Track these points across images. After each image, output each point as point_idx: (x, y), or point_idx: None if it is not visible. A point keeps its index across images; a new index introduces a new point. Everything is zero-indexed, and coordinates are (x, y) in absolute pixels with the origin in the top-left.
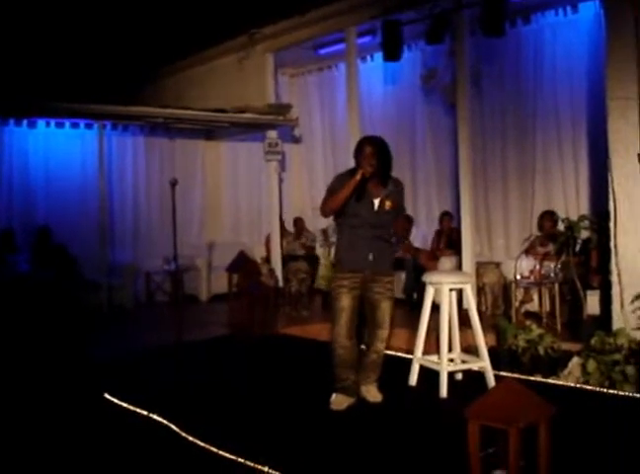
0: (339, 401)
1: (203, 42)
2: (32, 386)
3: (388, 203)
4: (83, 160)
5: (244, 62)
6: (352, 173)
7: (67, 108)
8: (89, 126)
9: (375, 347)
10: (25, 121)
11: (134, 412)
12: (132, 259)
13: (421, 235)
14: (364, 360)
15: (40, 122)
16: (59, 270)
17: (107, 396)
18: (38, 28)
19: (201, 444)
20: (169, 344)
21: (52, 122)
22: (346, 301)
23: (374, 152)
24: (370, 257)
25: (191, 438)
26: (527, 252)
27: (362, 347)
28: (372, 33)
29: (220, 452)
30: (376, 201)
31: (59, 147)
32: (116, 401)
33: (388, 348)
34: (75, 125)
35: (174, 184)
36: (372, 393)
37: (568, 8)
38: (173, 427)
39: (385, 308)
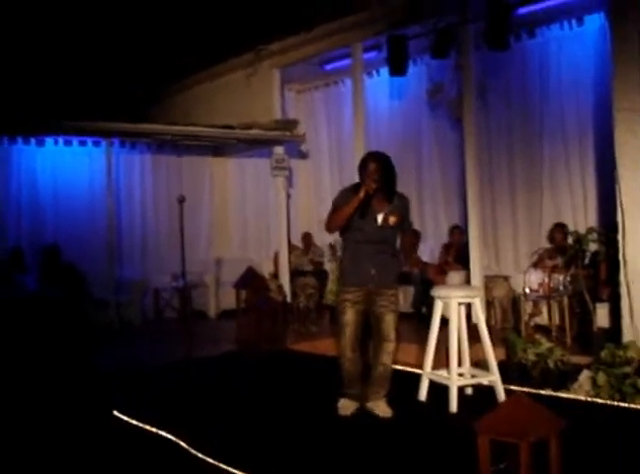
0: (346, 406)
1: (211, 59)
2: (41, 404)
3: (392, 219)
4: (91, 178)
5: (251, 79)
6: (356, 188)
7: (75, 125)
8: (97, 144)
9: (381, 360)
10: (33, 140)
11: (143, 429)
12: (141, 276)
13: (428, 249)
14: (372, 374)
15: (49, 141)
16: (68, 288)
17: (116, 413)
18: (46, 46)
19: (211, 461)
20: (178, 360)
21: (60, 140)
22: (349, 315)
23: (378, 168)
24: (373, 271)
25: (200, 455)
26: (536, 265)
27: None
28: (378, 48)
29: (230, 469)
30: (380, 217)
31: (67, 165)
32: (125, 418)
33: (397, 362)
34: (83, 143)
35: (181, 201)
36: (382, 408)
37: (573, 21)
38: (182, 443)
39: (389, 321)
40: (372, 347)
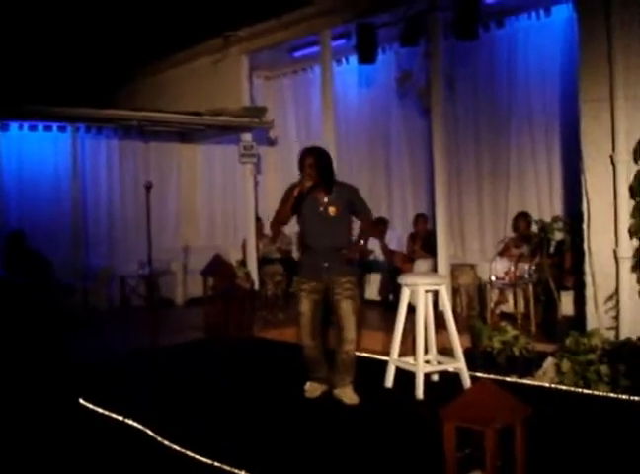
0: (313, 388)
1: (178, 45)
2: (6, 391)
3: (332, 209)
4: (56, 164)
5: (219, 65)
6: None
7: (40, 110)
8: (62, 130)
9: (343, 348)
10: None
11: (109, 417)
12: (107, 263)
13: (396, 237)
14: (336, 362)
15: (13, 125)
16: (33, 274)
17: (82, 401)
18: (8, 30)
19: (177, 449)
20: (144, 348)
21: (25, 126)
22: (305, 305)
23: (313, 163)
24: (325, 264)
25: (166, 443)
26: (502, 253)
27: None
28: (347, 36)
29: (197, 457)
30: (321, 208)
31: (32, 151)
32: (91, 406)
33: (364, 349)
34: (48, 129)
35: (148, 187)
36: (348, 395)
37: (541, 11)
38: (148, 431)
39: (345, 308)
40: (334, 335)
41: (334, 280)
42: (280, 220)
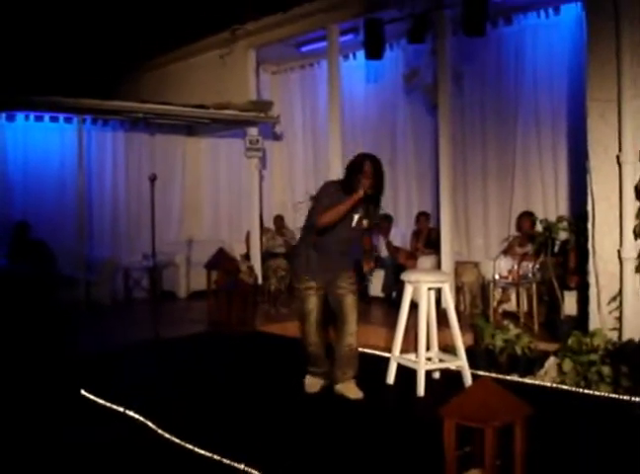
0: (312, 383)
1: (185, 38)
2: (7, 381)
3: (365, 222)
4: (62, 154)
5: (226, 58)
6: (342, 185)
7: (46, 101)
8: (68, 121)
9: (346, 341)
10: (3, 115)
11: (111, 408)
12: (111, 254)
13: (400, 234)
14: (337, 356)
15: (19, 116)
16: (37, 265)
17: (83, 392)
18: (17, 21)
19: (178, 442)
20: (147, 340)
21: (31, 116)
22: (312, 302)
23: (373, 172)
24: (334, 265)
25: (167, 435)
26: (506, 252)
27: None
28: (355, 31)
29: (197, 450)
30: (356, 217)
31: (38, 141)
32: (92, 397)
33: (366, 345)
34: (54, 119)
35: (153, 179)
36: (353, 391)
37: (550, 10)
38: (149, 424)
39: (350, 302)
40: (335, 328)
41: (337, 274)
42: (330, 222)
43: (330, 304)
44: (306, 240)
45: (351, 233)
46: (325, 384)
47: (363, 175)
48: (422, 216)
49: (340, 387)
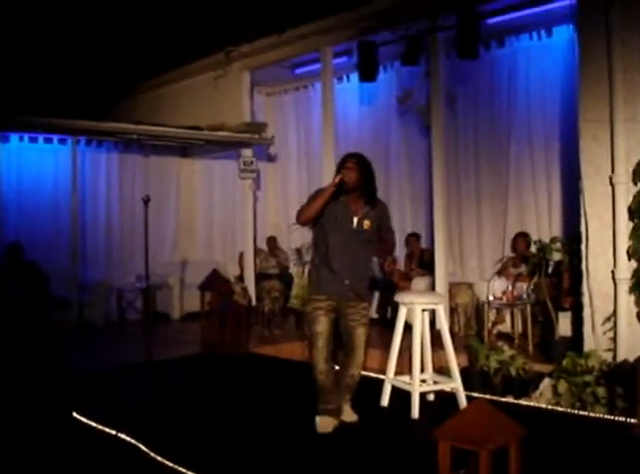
0: (325, 423)
1: (180, 59)
2: None
3: (367, 223)
4: (56, 175)
5: (220, 80)
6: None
7: (41, 122)
8: (63, 142)
9: (351, 372)
10: None
11: (103, 431)
12: (104, 276)
13: (396, 256)
14: (340, 383)
15: (14, 137)
16: (29, 286)
17: (75, 415)
18: (11, 43)
19: (171, 465)
20: (140, 362)
21: (26, 137)
22: (323, 325)
23: (357, 166)
24: (347, 281)
25: (159, 458)
26: (500, 273)
27: (336, 367)
28: (349, 53)
29: (189, 473)
30: (355, 219)
31: (32, 162)
32: (84, 420)
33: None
34: (49, 140)
35: (147, 201)
36: (348, 413)
37: (542, 32)
38: (141, 446)
39: (360, 335)
40: (341, 356)
41: (352, 304)
42: (309, 215)
43: (339, 328)
44: (313, 259)
45: (355, 238)
46: (338, 423)
47: (345, 168)
48: (412, 238)
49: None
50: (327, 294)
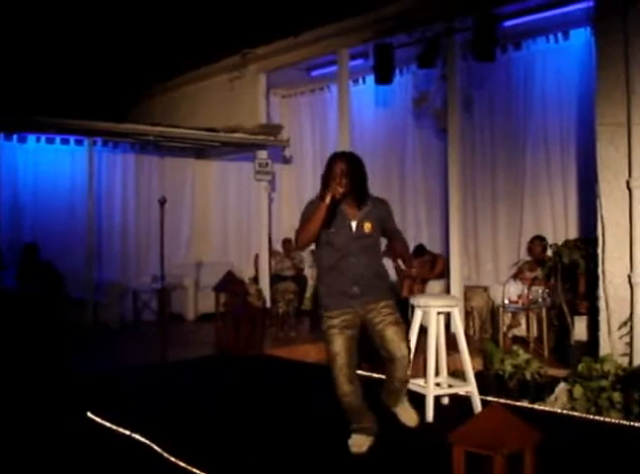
0: (359, 443)
1: (196, 61)
2: (13, 403)
3: (367, 225)
4: (72, 176)
5: (236, 82)
6: (322, 197)
7: (58, 123)
8: (79, 143)
9: (396, 377)
10: (14, 136)
11: (117, 431)
12: (119, 277)
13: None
14: (388, 389)
15: (31, 138)
16: (45, 286)
17: (89, 414)
18: (29, 44)
19: (184, 465)
20: (154, 363)
21: (43, 138)
22: (338, 344)
23: (345, 170)
24: (355, 289)
25: (173, 459)
26: (516, 276)
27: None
28: (365, 56)
29: None
30: (354, 224)
31: (49, 163)
32: (98, 420)
33: (375, 371)
34: (65, 141)
35: (162, 202)
36: (411, 418)
37: (559, 35)
38: (155, 447)
39: (392, 335)
40: (385, 365)
41: (369, 309)
42: (307, 238)
43: (374, 341)
44: (319, 274)
45: (357, 243)
46: (373, 442)
47: (332, 177)
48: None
49: (398, 410)
50: (337, 309)
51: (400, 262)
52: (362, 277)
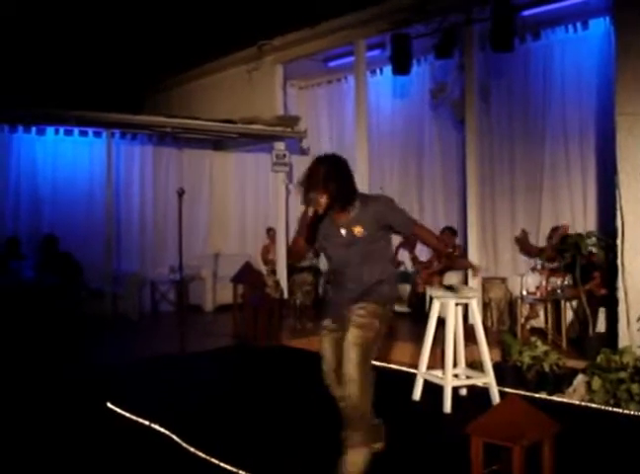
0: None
1: (213, 53)
2: (33, 393)
3: (358, 229)
4: (91, 168)
5: (253, 73)
6: (306, 209)
7: (76, 115)
8: (97, 135)
9: (341, 394)
10: (34, 129)
11: (136, 422)
12: (138, 268)
13: (425, 250)
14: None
15: (49, 130)
16: (64, 277)
17: (109, 405)
18: (48, 36)
19: (203, 456)
20: (172, 353)
21: (61, 130)
22: (325, 345)
23: (325, 177)
24: (349, 300)
25: (192, 449)
26: (534, 268)
27: None
28: (382, 46)
29: (221, 464)
30: (343, 231)
31: (67, 155)
32: (118, 410)
33: (392, 361)
34: (84, 133)
35: (181, 193)
36: (349, 461)
37: (578, 24)
38: (174, 437)
39: (348, 344)
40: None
41: (351, 308)
42: (297, 252)
43: None
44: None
45: (349, 250)
46: (382, 447)
47: (314, 186)
48: (447, 231)
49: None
50: (329, 316)
51: (441, 248)
52: (360, 283)
